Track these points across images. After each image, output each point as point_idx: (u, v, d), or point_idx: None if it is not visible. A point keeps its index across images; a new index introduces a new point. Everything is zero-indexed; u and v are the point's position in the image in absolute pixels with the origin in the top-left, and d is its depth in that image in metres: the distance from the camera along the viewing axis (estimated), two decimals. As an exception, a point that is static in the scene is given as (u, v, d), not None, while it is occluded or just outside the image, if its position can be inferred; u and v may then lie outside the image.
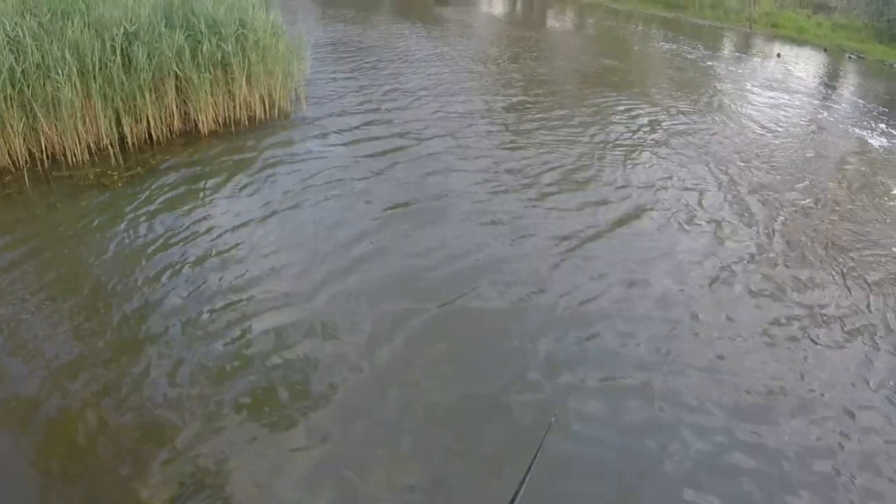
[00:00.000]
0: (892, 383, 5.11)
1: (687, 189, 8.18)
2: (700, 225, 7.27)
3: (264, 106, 8.97)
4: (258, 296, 5.32)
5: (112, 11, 7.60)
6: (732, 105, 12.69)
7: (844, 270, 6.68)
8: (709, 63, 16.87)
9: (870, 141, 11.59)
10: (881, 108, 14.14)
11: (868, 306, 6.09)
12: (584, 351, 5.06)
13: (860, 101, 14.91)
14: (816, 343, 5.49)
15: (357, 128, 9.08)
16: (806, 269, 6.65)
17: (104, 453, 3.82)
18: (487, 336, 5.16)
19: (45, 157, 7.00)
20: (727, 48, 20.55)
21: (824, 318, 5.87)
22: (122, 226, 6.17)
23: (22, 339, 4.64)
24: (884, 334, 5.70)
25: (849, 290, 6.34)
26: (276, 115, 9.07)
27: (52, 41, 6.93)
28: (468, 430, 4.24)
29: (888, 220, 8.08)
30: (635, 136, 9.99)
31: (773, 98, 13.71)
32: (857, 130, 12.14)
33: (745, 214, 7.65)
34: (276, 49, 8.96)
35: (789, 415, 4.66)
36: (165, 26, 7.91)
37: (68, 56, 6.88)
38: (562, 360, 4.93)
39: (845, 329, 5.72)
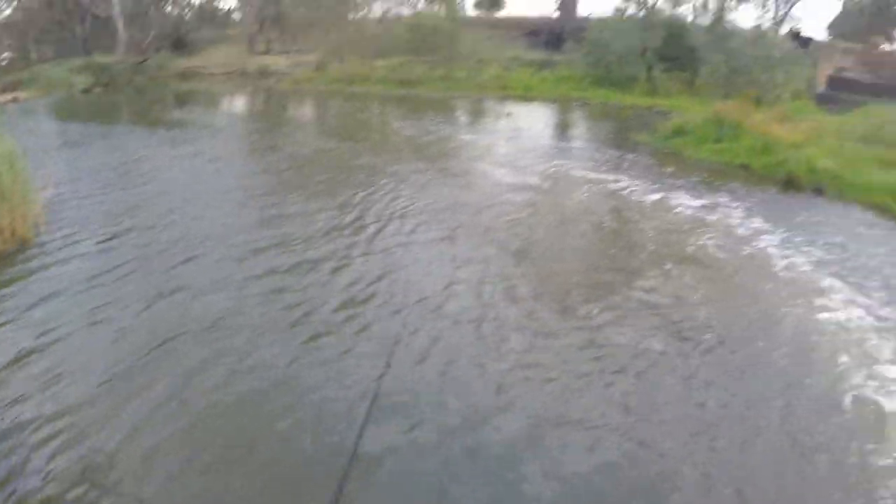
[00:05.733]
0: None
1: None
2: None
3: (-2, 236, 8.00)
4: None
5: None
6: (471, 163, 14.15)
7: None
8: (443, 129, 18.51)
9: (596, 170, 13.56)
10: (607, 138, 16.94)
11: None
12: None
13: (588, 137, 17.68)
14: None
15: (101, 250, 8.40)
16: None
17: None
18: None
19: None
20: (461, 115, 22.70)
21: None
22: None
23: None
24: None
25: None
26: (11, 244, 8.11)
27: None
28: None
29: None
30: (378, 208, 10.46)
31: (508, 150, 15.52)
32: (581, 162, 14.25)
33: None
34: (10, 173, 8.31)
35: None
36: None
37: None
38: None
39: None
